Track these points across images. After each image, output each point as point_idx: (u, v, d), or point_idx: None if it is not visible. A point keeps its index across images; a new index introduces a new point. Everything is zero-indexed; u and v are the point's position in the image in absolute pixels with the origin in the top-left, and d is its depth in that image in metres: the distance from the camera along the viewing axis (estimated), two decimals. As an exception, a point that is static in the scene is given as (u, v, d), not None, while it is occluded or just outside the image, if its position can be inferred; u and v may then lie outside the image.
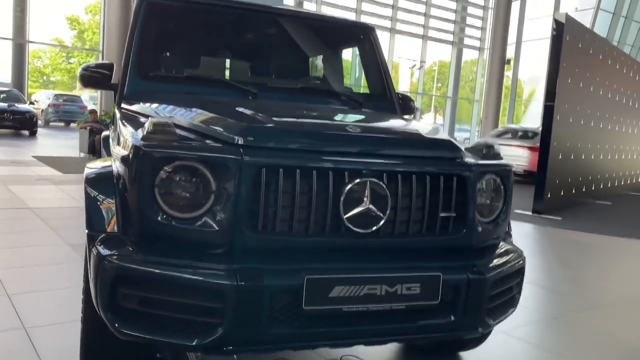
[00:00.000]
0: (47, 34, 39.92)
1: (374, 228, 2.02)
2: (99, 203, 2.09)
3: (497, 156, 2.49)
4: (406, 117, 3.36)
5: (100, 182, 2.16)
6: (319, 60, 3.92)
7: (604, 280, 5.17)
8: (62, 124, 24.77)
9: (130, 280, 1.85)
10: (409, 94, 3.76)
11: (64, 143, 16.13)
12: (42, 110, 23.86)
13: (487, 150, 2.46)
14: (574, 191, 10.02)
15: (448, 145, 2.29)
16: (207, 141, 2.02)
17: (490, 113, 22.64)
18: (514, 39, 30.02)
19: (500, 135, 14.93)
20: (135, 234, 1.94)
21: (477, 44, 31.42)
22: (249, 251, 1.91)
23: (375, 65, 3.60)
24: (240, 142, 1.95)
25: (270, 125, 2.09)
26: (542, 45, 30.19)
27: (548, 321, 3.79)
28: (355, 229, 2.00)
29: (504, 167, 2.38)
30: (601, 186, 11.65)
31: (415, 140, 2.31)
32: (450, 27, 30.26)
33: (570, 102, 9.09)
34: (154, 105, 2.65)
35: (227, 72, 3.53)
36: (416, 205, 2.09)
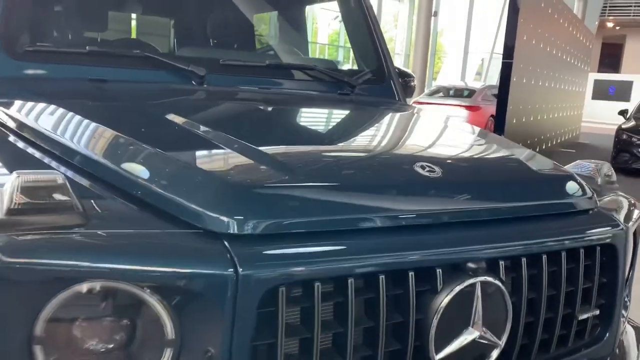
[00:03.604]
0: None
1: (484, 367, 1.06)
2: None
3: (614, 184, 1.58)
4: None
5: None
6: (282, 21, 2.80)
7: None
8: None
9: None
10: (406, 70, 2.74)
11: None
12: None
13: (603, 180, 1.53)
14: (521, 155, 9.46)
15: (575, 186, 1.33)
16: (146, 222, 0.94)
17: (418, 69, 21.85)
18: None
19: (432, 94, 14.19)
20: None
21: (397, -6, 30.56)
22: None
23: (366, 28, 2.52)
24: (229, 229, 0.89)
25: (283, 179, 1.02)
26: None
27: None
28: (453, 376, 1.02)
29: None
30: (544, 147, 11.27)
31: (533, 184, 1.33)
32: (371, -24, 29.06)
33: (525, 60, 8.42)
34: (30, 113, 1.48)
35: (151, 42, 2.34)
36: (547, 307, 1.14)
